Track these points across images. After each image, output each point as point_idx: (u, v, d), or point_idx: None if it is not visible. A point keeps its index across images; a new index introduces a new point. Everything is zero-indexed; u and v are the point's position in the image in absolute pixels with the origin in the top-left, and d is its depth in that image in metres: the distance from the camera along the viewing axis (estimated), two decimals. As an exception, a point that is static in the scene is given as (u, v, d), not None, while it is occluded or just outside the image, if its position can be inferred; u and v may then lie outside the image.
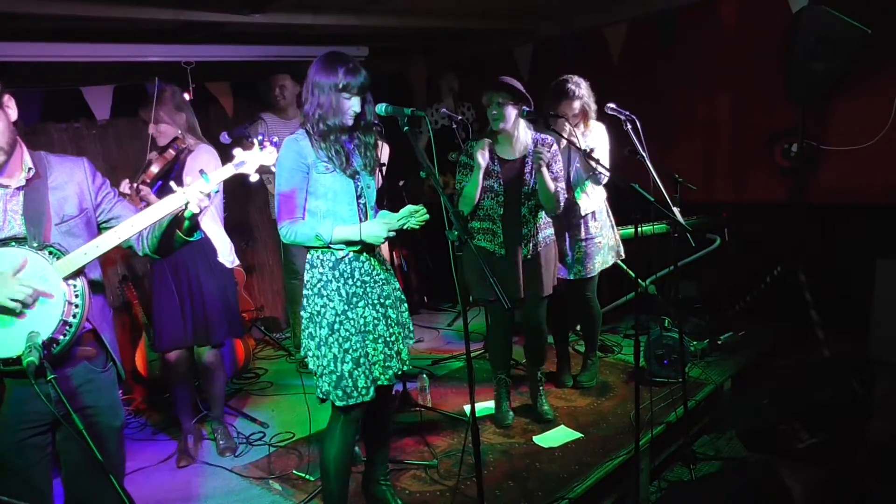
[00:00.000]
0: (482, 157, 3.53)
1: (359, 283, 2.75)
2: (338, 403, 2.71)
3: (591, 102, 3.97)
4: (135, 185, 3.40)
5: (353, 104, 2.67)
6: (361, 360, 2.72)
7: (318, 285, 2.72)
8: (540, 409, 3.95)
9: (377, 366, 2.78)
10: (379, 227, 2.73)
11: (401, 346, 2.89)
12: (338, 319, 2.71)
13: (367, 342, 2.76)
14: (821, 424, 3.63)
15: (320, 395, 2.76)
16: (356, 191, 2.77)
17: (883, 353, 4.31)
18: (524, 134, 3.65)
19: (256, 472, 3.57)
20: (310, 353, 2.76)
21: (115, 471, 2.27)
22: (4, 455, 2.07)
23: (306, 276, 2.78)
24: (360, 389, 2.72)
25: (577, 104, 3.90)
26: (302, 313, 2.79)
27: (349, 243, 2.72)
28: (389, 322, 2.84)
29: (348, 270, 2.73)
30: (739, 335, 4.76)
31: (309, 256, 2.78)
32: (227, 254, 3.73)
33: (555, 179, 3.62)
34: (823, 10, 4.15)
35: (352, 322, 2.73)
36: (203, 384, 3.89)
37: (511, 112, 3.54)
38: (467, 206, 3.65)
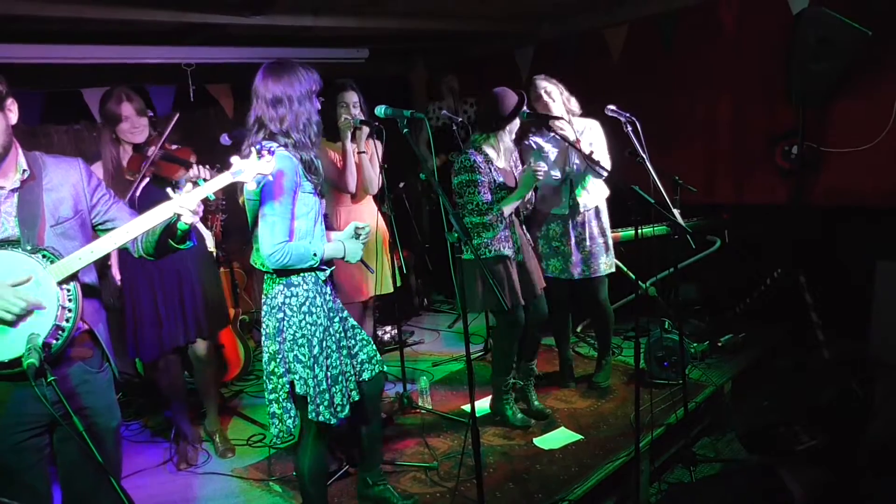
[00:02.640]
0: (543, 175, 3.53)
1: (331, 298, 2.75)
2: (331, 421, 2.65)
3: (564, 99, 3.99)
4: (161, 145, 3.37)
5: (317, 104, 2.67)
6: (339, 377, 2.69)
7: (306, 304, 2.63)
8: (532, 404, 3.97)
9: (351, 382, 2.76)
10: (357, 244, 2.74)
11: (369, 351, 2.88)
12: (325, 336, 2.66)
13: (344, 357, 2.74)
14: (821, 426, 3.63)
15: (311, 417, 2.64)
16: (320, 207, 2.74)
17: (883, 354, 4.31)
18: (510, 140, 3.71)
19: (256, 474, 3.57)
20: (296, 378, 2.63)
21: (113, 471, 2.27)
22: (2, 457, 2.06)
23: (281, 298, 2.63)
24: (336, 406, 2.67)
25: (546, 99, 3.92)
26: (278, 338, 2.64)
27: (330, 263, 2.70)
28: (355, 332, 2.85)
29: (323, 286, 2.71)
30: (740, 337, 4.75)
31: (285, 279, 2.64)
32: (212, 244, 3.73)
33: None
34: (823, 11, 4.15)
35: (333, 338, 2.69)
36: (196, 379, 3.86)
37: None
38: (501, 227, 3.54)
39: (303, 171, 2.59)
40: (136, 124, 3.41)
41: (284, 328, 2.64)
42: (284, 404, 2.70)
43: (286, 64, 2.63)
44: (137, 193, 3.38)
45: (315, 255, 2.60)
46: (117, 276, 3.70)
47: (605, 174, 3.82)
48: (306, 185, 2.61)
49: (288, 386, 2.67)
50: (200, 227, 3.65)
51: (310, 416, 2.66)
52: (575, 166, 3.99)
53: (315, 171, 2.64)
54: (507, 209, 3.54)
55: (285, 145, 2.57)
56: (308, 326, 2.63)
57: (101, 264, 2.12)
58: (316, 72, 2.65)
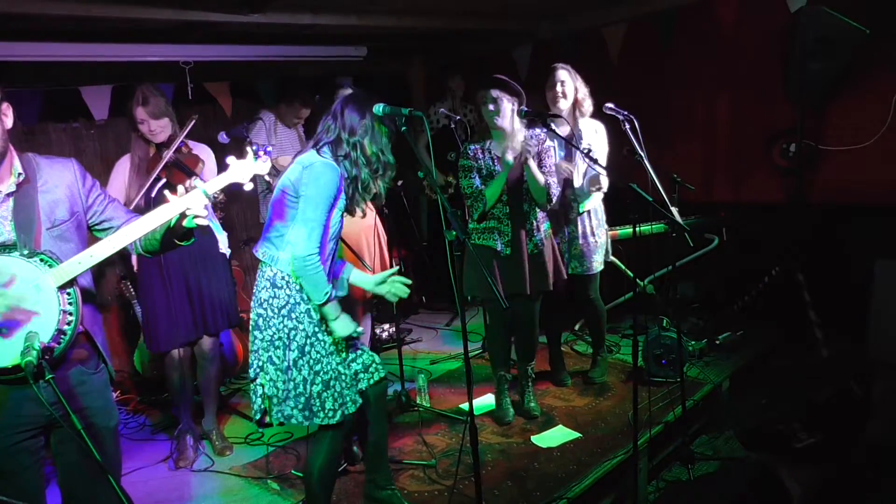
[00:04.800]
0: (511, 157, 3.53)
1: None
2: (304, 423, 2.69)
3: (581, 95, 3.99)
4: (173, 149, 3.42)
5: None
6: (332, 383, 2.69)
7: (286, 308, 2.66)
8: (527, 405, 3.96)
9: (351, 390, 2.75)
10: (349, 326, 2.76)
11: (366, 360, 2.89)
12: (308, 342, 2.67)
13: (340, 364, 2.74)
14: (819, 425, 3.63)
15: (280, 419, 2.69)
16: (340, 226, 2.80)
17: (882, 353, 4.31)
18: (520, 130, 3.67)
19: (254, 472, 3.57)
20: (267, 378, 2.67)
21: (112, 471, 2.26)
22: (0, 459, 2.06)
23: (265, 294, 2.68)
24: (326, 411, 2.68)
25: (559, 90, 3.94)
26: (256, 333, 2.71)
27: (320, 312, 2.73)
28: (346, 345, 2.86)
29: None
30: (738, 335, 4.76)
31: (271, 274, 2.68)
32: (225, 245, 3.77)
33: (545, 173, 3.64)
34: (822, 10, 4.15)
35: (322, 344, 2.70)
36: (199, 375, 3.86)
37: (506, 106, 3.55)
38: (481, 207, 3.62)
39: (344, 187, 2.68)
40: (153, 127, 3.45)
41: (263, 326, 2.68)
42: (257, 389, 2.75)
43: (369, 97, 2.75)
44: (153, 194, 3.45)
45: (327, 293, 2.66)
46: (134, 265, 3.76)
47: (605, 180, 3.84)
48: (341, 203, 2.69)
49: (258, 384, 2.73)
50: (216, 229, 3.68)
51: (275, 419, 2.70)
52: (585, 178, 4.00)
53: (364, 190, 2.74)
54: (493, 192, 3.58)
55: (337, 158, 2.68)
56: (287, 330, 2.66)
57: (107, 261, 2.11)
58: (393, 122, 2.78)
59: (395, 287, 2.92)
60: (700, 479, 3.53)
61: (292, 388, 2.65)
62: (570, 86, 3.95)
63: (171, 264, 3.53)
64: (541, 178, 3.58)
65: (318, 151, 2.70)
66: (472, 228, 3.71)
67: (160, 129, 3.47)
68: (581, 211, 4.05)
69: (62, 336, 2.00)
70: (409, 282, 2.94)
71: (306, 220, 2.60)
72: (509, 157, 3.52)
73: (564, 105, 3.95)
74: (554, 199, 3.71)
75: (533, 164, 3.57)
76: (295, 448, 3.76)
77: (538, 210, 3.74)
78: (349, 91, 2.78)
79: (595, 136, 4.02)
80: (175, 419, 3.89)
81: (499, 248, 3.67)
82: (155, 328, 3.60)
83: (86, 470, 2.10)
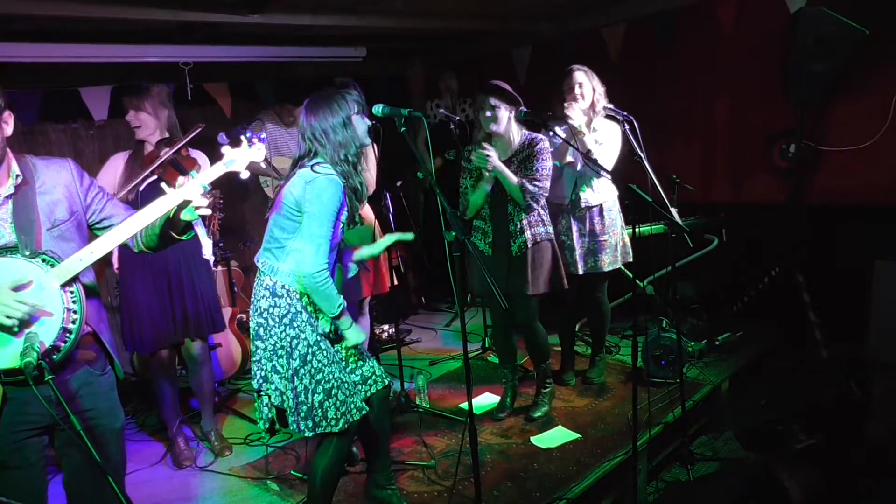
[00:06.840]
0: (490, 167, 3.54)
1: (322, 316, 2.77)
2: (307, 434, 2.68)
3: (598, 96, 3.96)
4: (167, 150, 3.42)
5: (366, 120, 2.76)
6: (333, 392, 2.68)
7: (288, 317, 2.65)
8: (534, 409, 3.95)
9: (355, 398, 2.75)
10: (360, 335, 2.80)
11: (365, 371, 2.89)
12: (310, 351, 2.66)
13: (342, 373, 2.74)
14: (818, 425, 3.63)
15: (293, 429, 2.70)
16: (342, 236, 2.79)
17: (881, 353, 4.31)
18: (517, 135, 3.68)
19: (254, 473, 3.57)
20: (273, 388, 2.68)
21: (117, 473, 2.27)
22: (3, 454, 2.06)
23: (265, 304, 2.68)
24: (329, 420, 2.67)
25: (577, 92, 3.90)
26: (257, 342, 2.71)
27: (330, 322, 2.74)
28: (347, 355, 2.86)
29: (309, 304, 2.72)
30: (737, 336, 4.76)
31: (270, 283, 2.67)
32: (209, 252, 3.76)
33: (533, 179, 3.58)
34: (821, 10, 4.15)
35: (324, 353, 2.69)
36: (190, 379, 3.86)
37: (504, 114, 3.59)
38: (472, 211, 3.74)
39: (346, 199, 2.68)
40: (130, 118, 3.49)
41: (264, 336, 2.68)
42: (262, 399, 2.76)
43: (323, 96, 2.71)
44: (141, 189, 3.42)
45: (340, 305, 2.67)
46: (115, 266, 3.75)
47: (605, 174, 3.80)
48: (344, 215, 2.70)
49: (264, 393, 2.74)
50: (201, 234, 3.67)
51: (291, 428, 2.69)
52: (581, 165, 3.98)
53: (359, 199, 2.74)
54: (477, 199, 3.67)
55: (339, 171, 2.66)
56: (288, 339, 2.65)
57: (103, 261, 2.12)
58: (356, 91, 2.74)
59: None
60: (699, 479, 3.54)
61: (293, 396, 2.65)
62: (587, 87, 3.90)
63: (153, 266, 3.50)
64: (513, 178, 3.55)
65: (312, 168, 2.64)
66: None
67: (137, 122, 3.48)
68: (581, 193, 4.00)
69: (67, 335, 2.01)
70: (412, 237, 3.02)
71: (312, 236, 2.59)
72: (486, 173, 3.59)
73: (583, 106, 3.87)
74: (540, 201, 3.66)
75: (503, 167, 3.55)
76: (294, 448, 3.76)
77: (523, 213, 3.68)
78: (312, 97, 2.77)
79: (609, 137, 3.96)
80: (164, 423, 3.86)
81: (482, 248, 3.74)
82: (139, 329, 3.57)
83: (90, 471, 2.10)
